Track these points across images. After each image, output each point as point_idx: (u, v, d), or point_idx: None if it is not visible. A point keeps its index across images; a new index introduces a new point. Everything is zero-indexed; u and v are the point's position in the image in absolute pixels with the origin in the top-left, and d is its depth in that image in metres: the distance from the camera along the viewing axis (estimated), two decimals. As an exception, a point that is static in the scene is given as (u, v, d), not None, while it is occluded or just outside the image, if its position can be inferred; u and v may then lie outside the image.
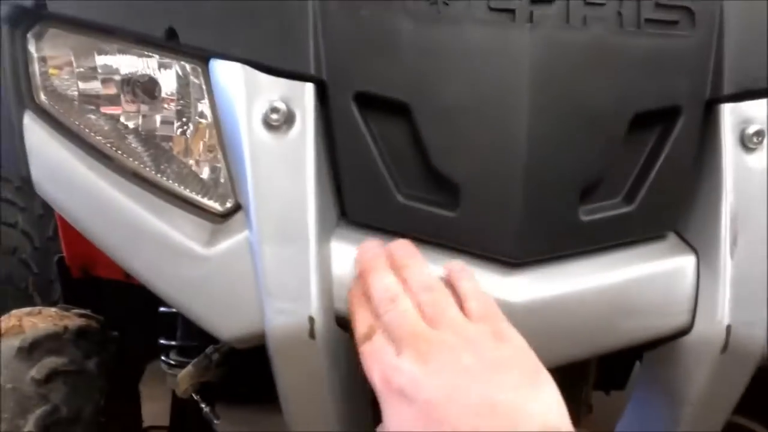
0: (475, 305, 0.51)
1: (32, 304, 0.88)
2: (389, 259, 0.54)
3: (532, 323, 0.57)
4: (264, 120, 0.57)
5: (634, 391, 0.68)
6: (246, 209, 0.58)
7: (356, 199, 0.59)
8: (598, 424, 0.90)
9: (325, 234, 0.57)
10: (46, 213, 2.25)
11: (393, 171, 0.59)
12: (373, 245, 0.56)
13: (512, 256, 0.58)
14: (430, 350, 0.47)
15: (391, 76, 0.57)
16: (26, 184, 0.60)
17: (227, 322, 0.58)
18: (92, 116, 0.63)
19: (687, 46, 0.59)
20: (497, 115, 0.57)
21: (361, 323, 0.52)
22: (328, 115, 0.58)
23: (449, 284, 0.54)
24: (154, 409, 1.07)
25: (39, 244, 2.16)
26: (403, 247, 0.56)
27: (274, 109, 0.56)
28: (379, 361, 0.48)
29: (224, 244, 0.58)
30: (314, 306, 0.55)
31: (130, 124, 0.63)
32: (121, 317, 0.98)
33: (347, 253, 0.58)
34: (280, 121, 0.57)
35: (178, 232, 0.58)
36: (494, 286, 0.58)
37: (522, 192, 0.57)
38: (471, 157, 0.58)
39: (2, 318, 0.79)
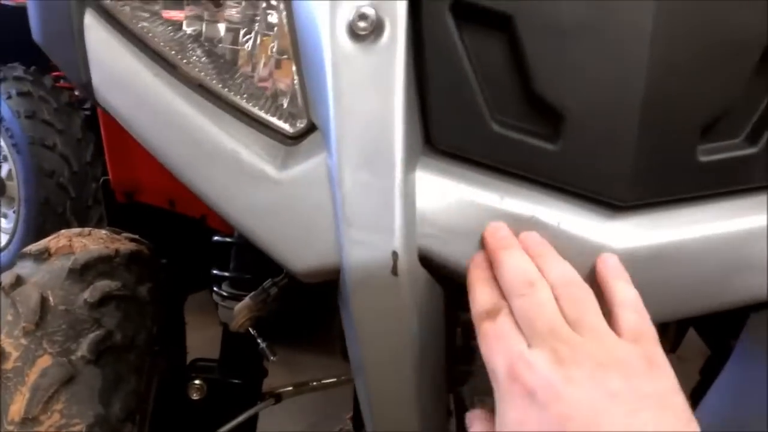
0: (631, 318, 0.45)
1: (68, 227, 0.85)
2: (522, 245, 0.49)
3: (635, 274, 0.51)
4: (349, 28, 0.50)
5: (732, 356, 0.62)
6: (324, 130, 0.52)
7: (445, 124, 0.53)
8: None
9: (410, 161, 0.52)
10: (84, 137, 2.23)
11: (488, 94, 0.53)
12: (504, 226, 0.50)
13: (619, 198, 0.52)
14: (572, 358, 0.41)
15: (495, -16, 0.49)
16: (85, 90, 0.54)
17: (300, 253, 0.53)
18: (155, 20, 0.57)
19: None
20: (616, 37, 0.50)
21: (483, 297, 0.47)
22: (418, 26, 0.51)
23: (597, 282, 0.48)
24: (196, 341, 1.05)
25: (77, 168, 2.15)
26: (536, 237, 0.50)
27: (362, 16, 0.50)
28: (506, 348, 0.43)
29: (299, 168, 0.53)
30: (399, 240, 0.50)
31: (191, 31, 0.58)
32: (161, 246, 0.95)
33: (432, 185, 0.52)
34: (367, 30, 0.50)
35: (250, 152, 0.53)
36: (595, 230, 0.52)
37: (637, 126, 0.50)
38: (581, 83, 0.51)
39: (51, 238, 0.75)
